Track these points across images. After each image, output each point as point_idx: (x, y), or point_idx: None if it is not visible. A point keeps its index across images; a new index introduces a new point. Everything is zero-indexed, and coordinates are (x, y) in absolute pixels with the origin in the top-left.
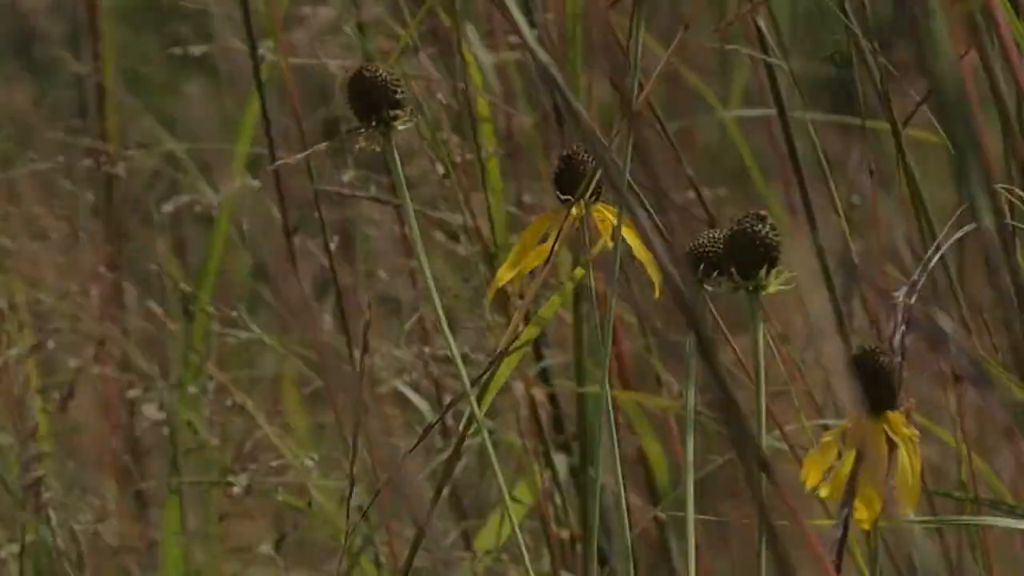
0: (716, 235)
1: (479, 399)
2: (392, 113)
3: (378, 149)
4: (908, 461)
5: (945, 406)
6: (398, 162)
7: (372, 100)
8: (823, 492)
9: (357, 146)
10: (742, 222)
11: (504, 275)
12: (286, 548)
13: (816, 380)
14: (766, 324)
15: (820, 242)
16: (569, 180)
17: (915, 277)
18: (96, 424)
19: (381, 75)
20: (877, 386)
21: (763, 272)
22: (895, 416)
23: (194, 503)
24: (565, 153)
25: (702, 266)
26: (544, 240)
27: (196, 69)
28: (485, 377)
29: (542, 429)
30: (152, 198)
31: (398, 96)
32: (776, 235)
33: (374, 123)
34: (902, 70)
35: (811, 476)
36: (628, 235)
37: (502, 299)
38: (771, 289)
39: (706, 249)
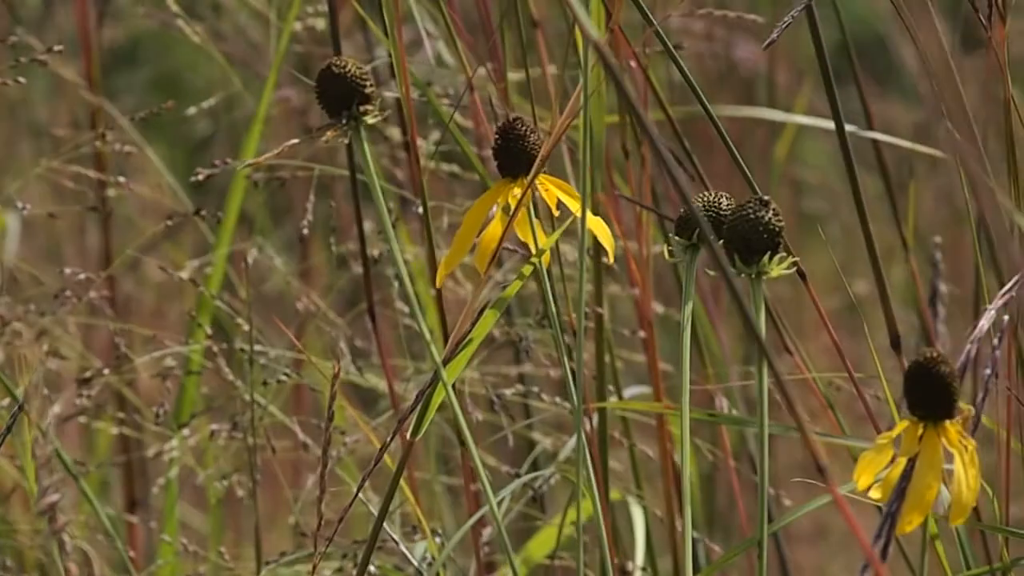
0: (713, 200)
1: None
2: (362, 108)
3: (346, 142)
4: (964, 472)
5: None
6: (369, 158)
7: (342, 95)
8: (874, 495)
9: (324, 140)
10: (745, 207)
11: (455, 257)
12: None
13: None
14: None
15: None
16: (509, 154)
17: (1008, 289)
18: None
19: (350, 70)
20: (934, 394)
21: (766, 258)
22: (952, 426)
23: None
24: (502, 125)
25: (695, 232)
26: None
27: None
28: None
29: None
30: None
31: (367, 90)
32: (779, 220)
33: (344, 119)
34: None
35: (863, 477)
36: (575, 207)
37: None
38: (774, 275)
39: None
